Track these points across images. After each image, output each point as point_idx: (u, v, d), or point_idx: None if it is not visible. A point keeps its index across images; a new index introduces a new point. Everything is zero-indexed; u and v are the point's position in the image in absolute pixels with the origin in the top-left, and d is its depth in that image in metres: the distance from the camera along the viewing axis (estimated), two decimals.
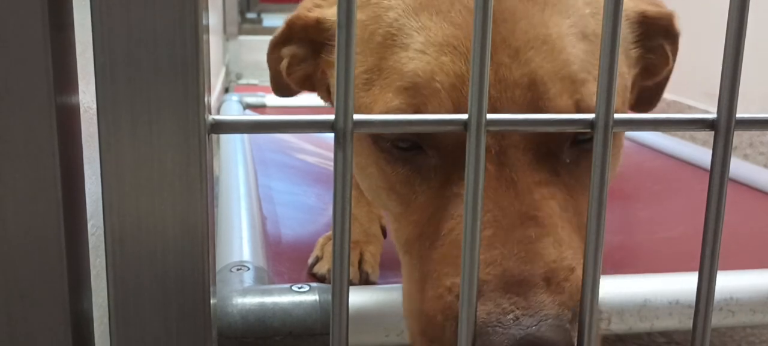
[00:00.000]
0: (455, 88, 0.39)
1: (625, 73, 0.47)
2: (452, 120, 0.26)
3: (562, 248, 0.37)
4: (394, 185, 0.43)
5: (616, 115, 0.27)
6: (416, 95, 0.40)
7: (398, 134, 0.41)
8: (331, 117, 0.25)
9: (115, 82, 0.24)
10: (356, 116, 0.25)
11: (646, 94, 0.57)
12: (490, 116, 0.26)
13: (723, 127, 0.27)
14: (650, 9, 0.49)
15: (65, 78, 0.26)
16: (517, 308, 0.34)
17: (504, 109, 0.39)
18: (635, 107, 0.59)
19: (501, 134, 0.39)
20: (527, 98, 0.39)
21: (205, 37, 0.25)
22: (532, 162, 0.39)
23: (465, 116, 0.26)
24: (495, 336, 0.33)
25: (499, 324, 0.33)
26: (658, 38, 0.50)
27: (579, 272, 0.35)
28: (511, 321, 0.34)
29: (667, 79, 0.54)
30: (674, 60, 0.52)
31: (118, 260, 0.26)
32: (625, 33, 0.48)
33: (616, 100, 0.43)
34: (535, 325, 0.33)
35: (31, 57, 0.24)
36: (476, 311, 0.32)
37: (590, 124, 0.27)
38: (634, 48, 0.48)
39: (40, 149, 0.25)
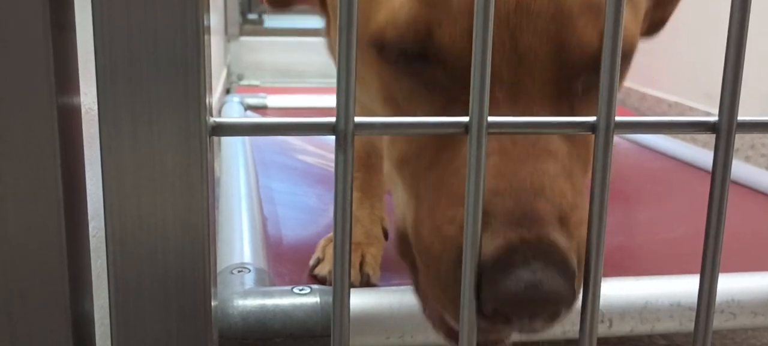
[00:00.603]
0: (472, 13, 0.37)
1: (643, 3, 0.45)
2: (455, 123, 0.26)
3: (576, 193, 0.35)
4: (394, 97, 0.41)
5: (618, 118, 0.27)
6: (432, 10, 0.37)
7: (409, 40, 0.38)
8: (332, 119, 0.25)
9: (116, 84, 0.24)
10: (357, 119, 0.25)
11: (653, 24, 0.56)
12: (491, 119, 0.26)
13: (724, 131, 0.27)
14: None
15: (66, 79, 0.26)
16: (529, 249, 0.31)
17: (524, 40, 0.36)
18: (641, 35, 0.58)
19: (518, 61, 0.36)
20: (551, 31, 0.36)
21: (206, 38, 0.25)
22: (552, 97, 0.37)
23: (466, 119, 0.26)
24: (502, 276, 0.30)
25: (508, 264, 0.31)
26: None
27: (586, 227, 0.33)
28: (520, 262, 0.31)
29: (674, 9, 0.54)
30: None
31: (119, 261, 0.26)
32: None
33: (631, 29, 0.41)
34: (546, 269, 0.31)
35: (33, 58, 0.24)
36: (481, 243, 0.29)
37: (591, 126, 0.27)
38: None
39: (41, 150, 0.25)
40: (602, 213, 0.28)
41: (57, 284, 0.26)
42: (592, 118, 0.27)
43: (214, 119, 0.25)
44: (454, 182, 0.36)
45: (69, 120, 0.26)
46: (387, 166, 0.44)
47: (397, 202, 0.43)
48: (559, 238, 0.32)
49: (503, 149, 0.34)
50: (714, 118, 0.28)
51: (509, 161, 0.34)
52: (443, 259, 0.35)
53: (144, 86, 0.24)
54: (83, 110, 0.29)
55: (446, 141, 0.37)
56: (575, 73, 0.38)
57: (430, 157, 0.38)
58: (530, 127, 0.28)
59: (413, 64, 0.39)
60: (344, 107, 0.25)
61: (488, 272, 0.30)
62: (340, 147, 0.25)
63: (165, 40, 0.24)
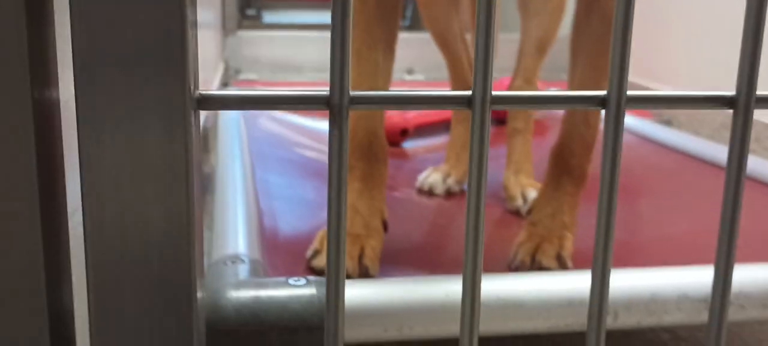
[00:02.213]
0: None
1: None
2: (456, 96, 0.25)
3: None
4: None
5: (629, 92, 0.25)
6: None
7: None
8: (326, 92, 0.24)
9: (93, 54, 0.22)
10: (352, 92, 0.24)
11: None
12: (495, 93, 0.25)
13: (742, 105, 0.26)
14: None
15: (43, 72, 0.24)
16: None
17: None
18: None
19: None
20: None
21: (189, 9, 0.23)
22: None
23: (469, 93, 0.25)
24: None
25: None
26: None
27: None
28: None
29: None
30: None
31: (98, 247, 0.24)
32: None
33: None
34: None
35: (6, 50, 0.23)
36: None
37: (602, 101, 0.25)
38: None
39: (16, 143, 0.23)
40: (612, 196, 0.26)
41: (34, 279, 0.25)
42: (602, 92, 0.25)
43: (200, 91, 0.24)
44: None
45: (46, 113, 0.25)
46: None
47: None
48: None
49: None
50: (731, 93, 0.26)
51: None
52: None
53: (124, 56, 0.22)
54: (67, 101, 0.28)
55: None
56: None
57: None
58: (534, 102, 0.26)
59: None
60: (339, 80, 0.23)
61: None
62: (335, 122, 0.23)
63: (145, 7, 0.22)
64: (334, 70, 0.24)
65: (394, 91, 0.25)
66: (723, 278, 0.27)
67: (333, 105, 0.24)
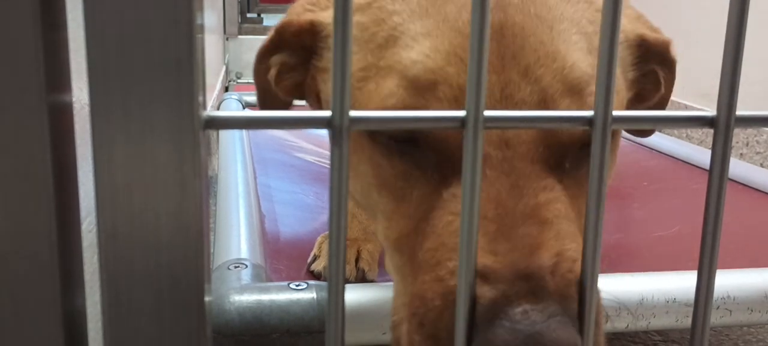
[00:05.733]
0: (458, 101, 0.39)
1: (622, 90, 0.47)
2: (449, 117, 0.26)
3: (566, 241, 0.36)
4: (389, 180, 0.42)
5: (615, 113, 0.27)
6: (418, 97, 0.39)
7: (397, 130, 0.40)
8: (328, 113, 0.25)
9: (108, 77, 0.24)
10: (353, 113, 0.25)
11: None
12: (487, 113, 0.26)
13: (722, 125, 0.27)
14: (649, 34, 0.49)
15: (58, 77, 0.25)
16: (526, 302, 0.32)
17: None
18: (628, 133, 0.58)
19: (505, 143, 0.38)
20: None
21: (199, 30, 0.24)
22: (540, 176, 0.39)
23: (463, 113, 0.26)
24: (501, 329, 0.31)
25: (506, 317, 0.32)
26: (652, 63, 0.50)
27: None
28: (520, 315, 0.32)
29: (660, 105, 0.54)
30: (669, 88, 0.52)
31: (111, 256, 0.25)
32: (625, 55, 0.48)
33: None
34: (544, 321, 0.32)
35: (22, 56, 0.24)
36: (477, 298, 0.31)
37: (588, 121, 0.27)
38: (631, 70, 0.48)
39: (32, 147, 0.25)
40: (599, 210, 0.27)
41: (48, 280, 0.26)
42: (589, 113, 0.27)
43: (208, 113, 0.25)
44: (454, 240, 0.37)
45: (60, 117, 0.26)
46: (390, 255, 0.44)
47: (398, 285, 0.43)
48: (552, 288, 0.33)
49: (499, 217, 0.36)
50: (712, 113, 0.28)
51: (504, 227, 0.36)
52: (445, 314, 0.35)
53: (136, 81, 0.24)
54: (79, 106, 0.29)
55: (444, 213, 0.39)
56: (562, 153, 0.40)
57: (428, 231, 0.39)
58: (526, 122, 0.27)
59: (405, 145, 0.41)
60: (340, 101, 0.25)
61: (488, 328, 0.31)
62: (336, 142, 0.25)
63: (157, 34, 0.23)
64: (335, 93, 0.25)
65: (393, 112, 0.27)
66: (705, 300, 0.28)
67: (334, 126, 0.25)
